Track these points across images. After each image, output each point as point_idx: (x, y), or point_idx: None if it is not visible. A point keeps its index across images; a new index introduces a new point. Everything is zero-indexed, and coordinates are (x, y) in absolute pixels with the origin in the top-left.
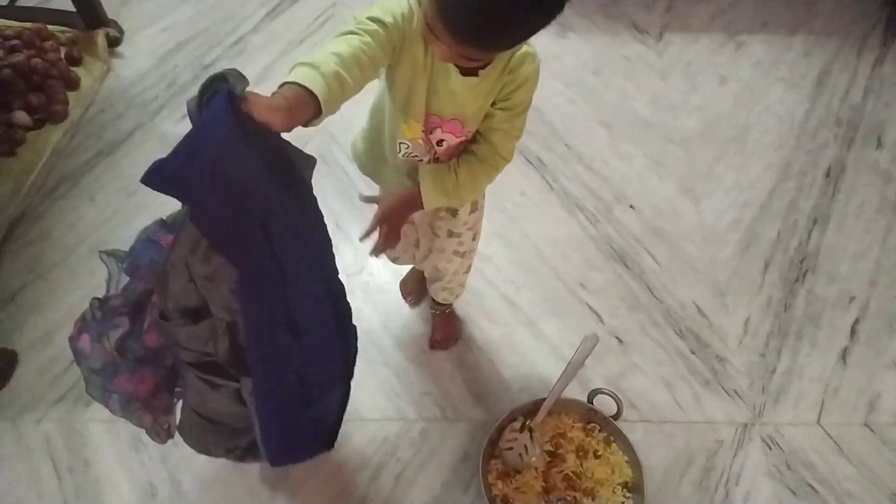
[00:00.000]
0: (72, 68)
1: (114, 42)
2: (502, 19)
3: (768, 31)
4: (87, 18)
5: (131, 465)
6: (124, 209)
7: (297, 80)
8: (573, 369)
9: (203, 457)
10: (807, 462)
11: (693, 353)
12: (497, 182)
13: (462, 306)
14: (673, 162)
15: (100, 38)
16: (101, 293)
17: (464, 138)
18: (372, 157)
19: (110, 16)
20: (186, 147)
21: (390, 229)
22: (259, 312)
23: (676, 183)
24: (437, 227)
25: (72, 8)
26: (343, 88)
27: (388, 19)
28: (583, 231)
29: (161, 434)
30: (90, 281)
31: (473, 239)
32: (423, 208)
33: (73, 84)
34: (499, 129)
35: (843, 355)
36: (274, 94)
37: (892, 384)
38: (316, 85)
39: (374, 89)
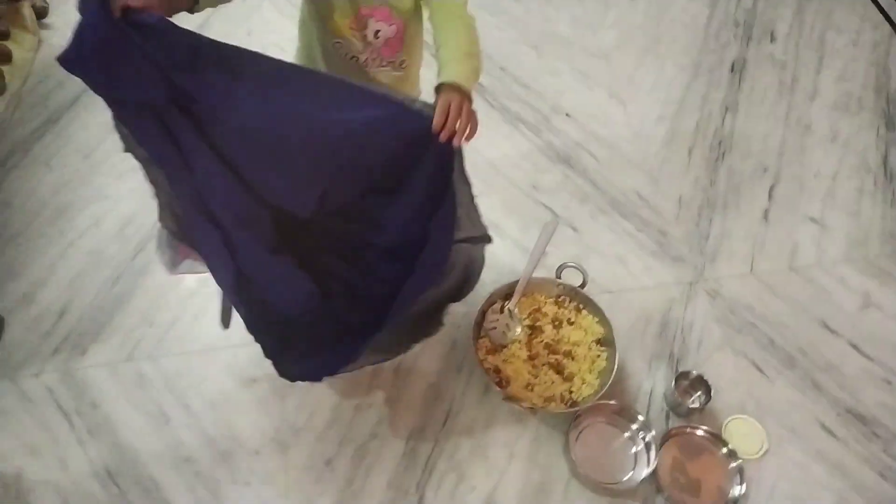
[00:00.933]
0: (1, 42)
1: (41, 13)
2: None
3: None
4: None
5: (138, 399)
6: (82, 170)
7: None
8: (539, 250)
9: (209, 378)
10: (746, 305)
11: (639, 231)
12: None
13: None
14: (598, 73)
15: (25, 9)
16: (72, 252)
17: (396, 25)
18: None
19: None
20: (76, 37)
21: (468, 116)
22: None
23: (604, 90)
24: None
25: None
26: None
27: None
28: (528, 141)
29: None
30: (60, 241)
31: None
32: (469, 90)
33: (5, 57)
34: None
35: (765, 215)
36: None
37: (808, 234)
38: None
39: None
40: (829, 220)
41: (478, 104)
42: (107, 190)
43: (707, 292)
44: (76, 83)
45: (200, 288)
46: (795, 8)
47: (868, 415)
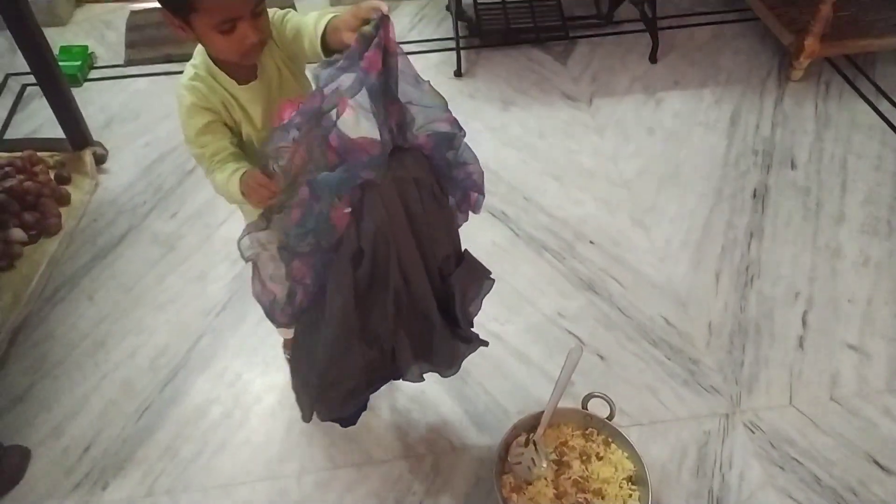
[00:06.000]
0: (62, 186)
1: (100, 160)
2: None
3: (681, 87)
4: (75, 141)
5: None
6: (123, 303)
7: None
8: (565, 379)
9: None
10: (788, 439)
11: (668, 358)
12: (470, 236)
13: None
14: (620, 201)
15: (87, 156)
16: (105, 384)
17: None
18: None
19: (95, 139)
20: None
21: None
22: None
23: (627, 217)
24: None
25: (60, 134)
26: None
27: (206, 116)
28: (552, 268)
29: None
30: (95, 373)
31: None
32: None
33: (64, 200)
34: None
35: (800, 343)
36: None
37: (847, 361)
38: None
39: None
40: (869, 347)
41: (503, 233)
42: (144, 322)
43: (745, 424)
44: (125, 221)
45: (223, 419)
46: (814, 136)
47: None
